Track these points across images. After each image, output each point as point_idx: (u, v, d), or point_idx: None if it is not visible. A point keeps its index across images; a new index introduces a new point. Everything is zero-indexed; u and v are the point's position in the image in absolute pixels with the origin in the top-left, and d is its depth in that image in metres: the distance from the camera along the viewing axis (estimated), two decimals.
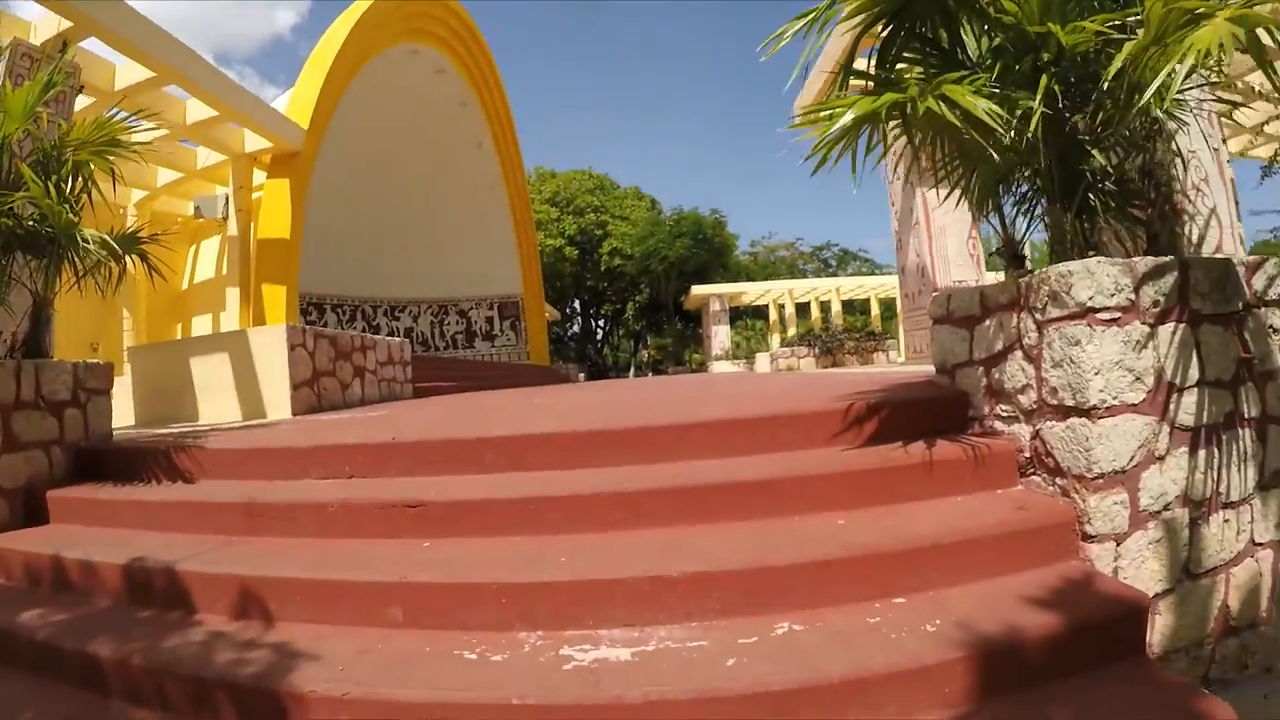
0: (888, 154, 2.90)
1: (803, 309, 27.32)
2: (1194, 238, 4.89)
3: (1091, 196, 2.84)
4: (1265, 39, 2.21)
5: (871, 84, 2.76)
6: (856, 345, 15.37)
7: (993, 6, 2.72)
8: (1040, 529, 2.37)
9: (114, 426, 4.33)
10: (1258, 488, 2.60)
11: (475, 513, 2.57)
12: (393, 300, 17.01)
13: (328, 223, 13.74)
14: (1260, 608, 2.55)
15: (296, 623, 2.25)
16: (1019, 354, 2.71)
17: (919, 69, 2.74)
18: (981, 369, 2.96)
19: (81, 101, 7.75)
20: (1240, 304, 2.64)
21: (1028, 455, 2.69)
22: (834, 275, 37.23)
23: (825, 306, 26.67)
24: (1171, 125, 3.12)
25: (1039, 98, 2.38)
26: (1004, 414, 2.83)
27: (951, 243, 9.30)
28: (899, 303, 11.92)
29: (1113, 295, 2.39)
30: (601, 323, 41.56)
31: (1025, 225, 3.20)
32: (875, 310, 27.13)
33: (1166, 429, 2.44)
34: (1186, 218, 3.28)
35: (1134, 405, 2.40)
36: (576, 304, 39.52)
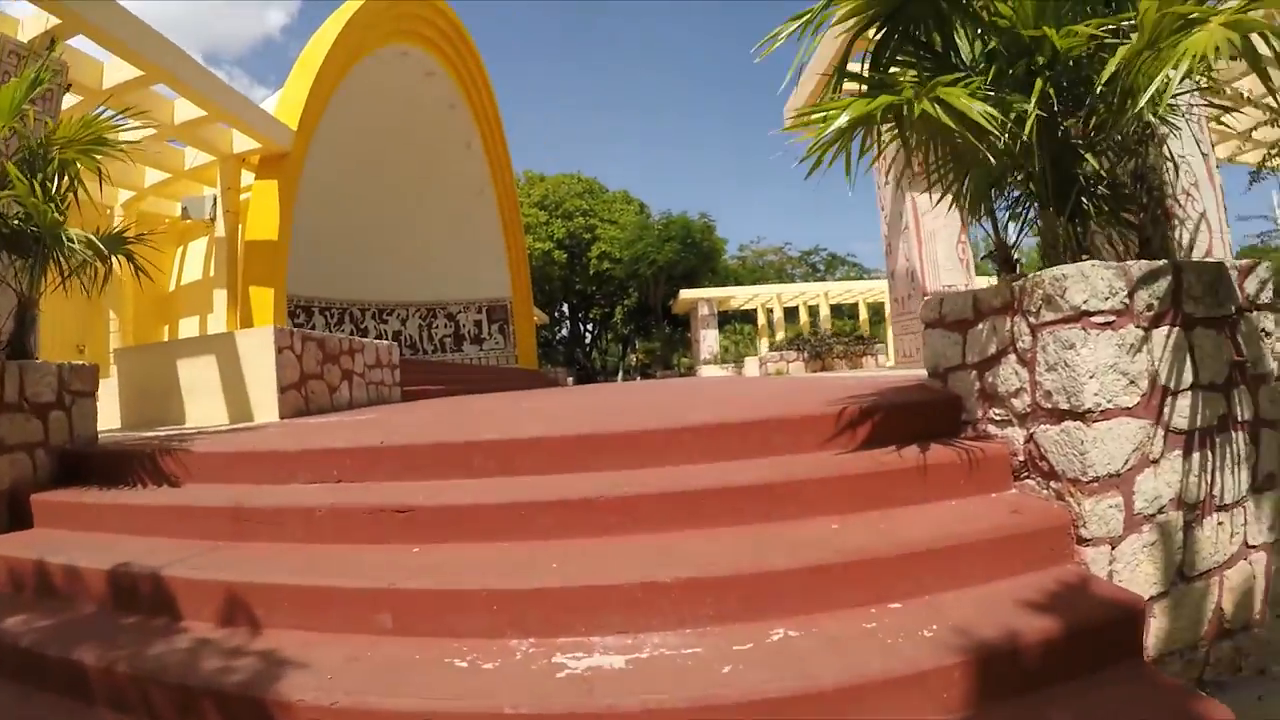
0: (880, 157, 2.89)
1: (791, 313, 27.38)
2: (1184, 242, 4.93)
3: (1084, 200, 2.84)
4: (1261, 47, 2.22)
5: (865, 87, 2.75)
6: (845, 349, 15.37)
7: (986, 10, 2.72)
8: (1035, 533, 2.37)
9: (100, 429, 4.28)
10: (1251, 490, 2.61)
11: (465, 518, 2.54)
12: (381, 303, 16.96)
13: (316, 224, 13.67)
14: (1254, 610, 2.56)
15: (284, 629, 2.21)
16: (1012, 357, 2.71)
17: (912, 72, 2.74)
18: (974, 372, 2.95)
19: (69, 101, 7.67)
20: (1233, 307, 2.65)
21: (1021, 459, 2.69)
22: (822, 280, 37.39)
23: (813, 311, 26.73)
24: (1163, 130, 3.13)
25: (1034, 101, 2.37)
26: (997, 417, 2.82)
27: (941, 247, 9.33)
28: (888, 307, 11.94)
29: (1107, 299, 2.39)
30: (590, 326, 41.52)
31: (1018, 229, 3.20)
32: (863, 315, 27.22)
33: (1161, 432, 2.44)
34: (1176, 222, 3.29)
35: (1128, 408, 2.40)
36: (565, 308, 39.46)
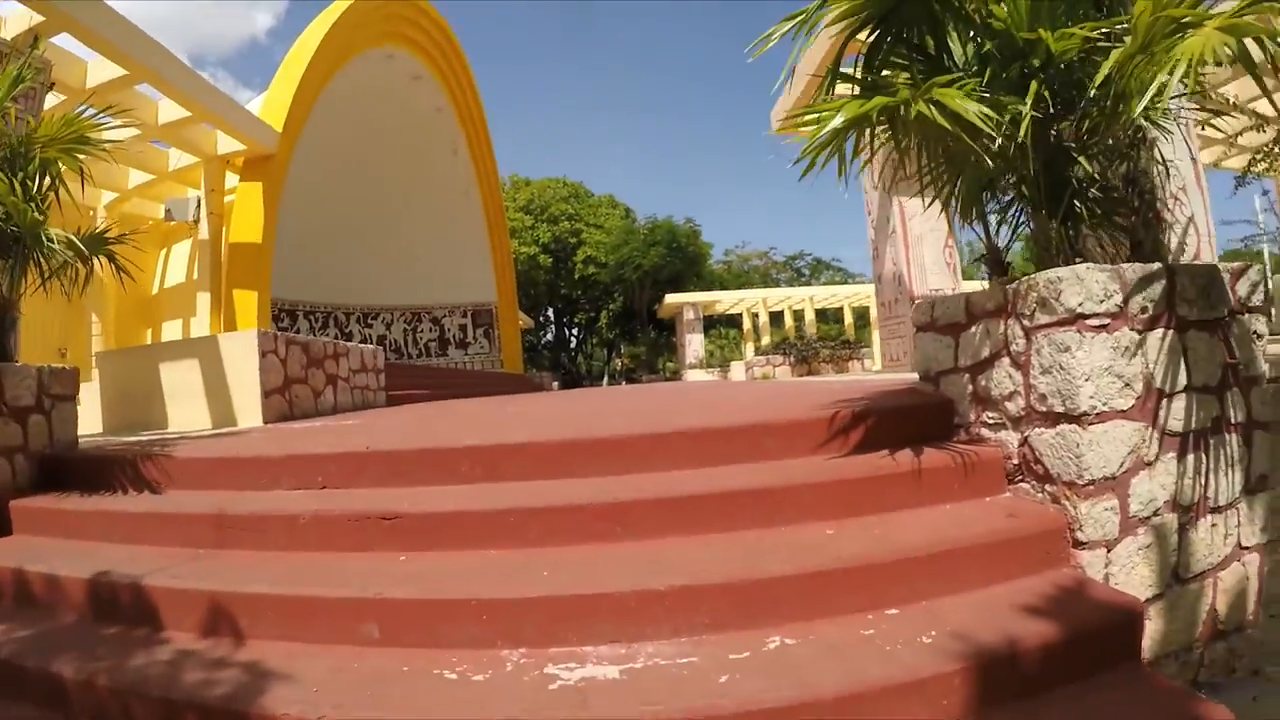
0: (870, 161, 2.88)
1: (776, 318, 27.46)
2: (1172, 246, 4.97)
3: (1077, 204, 2.84)
4: (1255, 51, 2.22)
5: (857, 89, 2.74)
6: (831, 354, 15.43)
7: (979, 13, 2.71)
8: (1031, 536, 2.35)
9: (82, 433, 4.20)
10: (1244, 492, 2.61)
11: (452, 525, 2.49)
12: (366, 307, 16.86)
13: (301, 227, 13.56)
14: (1247, 611, 2.57)
15: (268, 640, 2.15)
16: (1006, 361, 2.69)
17: (905, 75, 2.72)
18: (967, 376, 2.94)
19: (52, 100, 7.57)
20: (1225, 310, 2.66)
21: (1016, 462, 2.67)
22: (807, 284, 37.47)
23: (799, 315, 26.83)
24: (1154, 134, 3.13)
25: (1029, 102, 2.37)
26: (990, 421, 2.81)
27: (928, 251, 9.36)
28: (875, 311, 11.98)
29: (1102, 301, 2.38)
30: (575, 331, 41.44)
31: (1010, 232, 3.19)
32: (849, 319, 27.34)
33: (1155, 435, 2.44)
34: (1165, 226, 3.29)
35: (1123, 411, 2.39)
36: (550, 312, 39.38)
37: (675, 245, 33.00)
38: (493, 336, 18.82)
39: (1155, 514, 2.42)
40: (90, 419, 6.50)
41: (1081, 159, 2.72)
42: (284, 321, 14.28)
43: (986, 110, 2.33)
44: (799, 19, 2.61)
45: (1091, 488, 2.35)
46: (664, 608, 1.98)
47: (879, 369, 12.44)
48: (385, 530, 2.49)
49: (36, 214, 3.80)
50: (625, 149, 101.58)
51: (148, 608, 2.37)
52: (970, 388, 2.91)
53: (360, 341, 14.62)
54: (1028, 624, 1.98)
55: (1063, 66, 2.64)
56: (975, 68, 2.74)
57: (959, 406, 2.99)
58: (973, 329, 2.88)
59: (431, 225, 17.60)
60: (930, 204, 3.23)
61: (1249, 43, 2.22)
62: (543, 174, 38.52)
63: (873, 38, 2.74)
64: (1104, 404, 2.37)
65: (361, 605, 2.08)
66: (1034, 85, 2.40)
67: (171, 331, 12.48)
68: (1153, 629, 2.29)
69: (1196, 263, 3.11)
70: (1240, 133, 6.48)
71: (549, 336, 41.07)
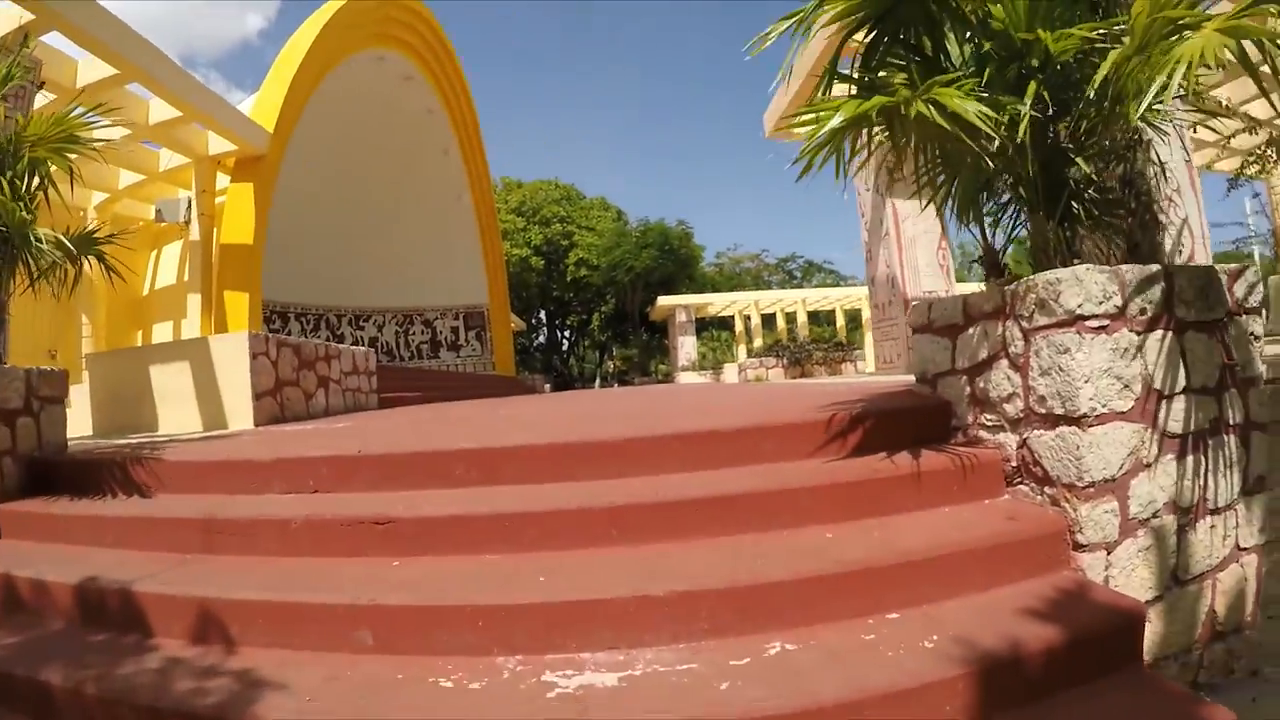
0: (866, 162, 2.87)
1: (768, 320, 27.45)
2: (1167, 247, 4.97)
3: (1074, 205, 2.83)
4: (1253, 53, 2.22)
5: (853, 89, 2.72)
6: (825, 356, 15.49)
7: (975, 14, 2.70)
8: (1032, 539, 2.34)
9: (72, 435, 4.14)
10: (1241, 493, 2.62)
11: (447, 530, 2.45)
12: (357, 309, 16.77)
13: (292, 229, 13.48)
14: (1245, 612, 2.58)
15: (259, 648, 2.11)
16: (1004, 362, 2.68)
17: (902, 75, 2.71)
18: (965, 378, 2.92)
19: (42, 100, 7.49)
20: (1223, 311, 2.66)
21: (1014, 464, 2.66)
22: (799, 287, 37.49)
23: (791, 318, 26.82)
24: (1150, 135, 3.13)
25: (1028, 102, 2.35)
26: (989, 423, 2.79)
27: (921, 253, 9.37)
28: (869, 313, 11.98)
29: (1101, 303, 2.37)
30: (567, 333, 41.38)
31: (1007, 234, 3.18)
32: (840, 321, 27.37)
33: (1154, 436, 2.44)
34: (1161, 228, 3.29)
35: (1123, 413, 2.39)
36: (542, 314, 39.31)
37: (667, 247, 33.01)
38: (485, 339, 18.77)
39: (1154, 516, 2.41)
40: (80, 421, 6.43)
41: (1079, 160, 2.71)
42: (275, 323, 14.20)
43: (986, 110, 2.32)
44: (796, 18, 2.59)
45: (1091, 490, 2.34)
46: (663, 614, 1.95)
47: (872, 371, 12.45)
48: (378, 535, 2.45)
49: (24, 213, 3.75)
50: (617, 151, 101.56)
51: (137, 614, 2.33)
52: (968, 390, 2.90)
53: (352, 344, 14.50)
54: (1030, 628, 1.96)
55: (1060, 67, 2.64)
56: (972, 68, 2.73)
57: (957, 408, 2.97)
58: (970, 331, 2.86)
59: (423, 227, 17.54)
60: (926, 205, 3.22)
61: (1246, 45, 2.22)
62: (535, 176, 38.59)
63: (869, 38, 2.73)
64: (1103, 406, 2.36)
65: (355, 612, 2.04)
66: (1033, 85, 2.39)
67: (162, 333, 12.37)
68: (1152, 631, 2.29)
69: (1194, 264, 3.10)
70: (1233, 135, 6.50)
71: (541, 339, 41.00)
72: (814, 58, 8.76)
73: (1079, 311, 2.36)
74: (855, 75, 2.69)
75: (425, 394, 10.57)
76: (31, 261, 3.95)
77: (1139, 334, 2.44)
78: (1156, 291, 2.47)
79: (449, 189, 18.05)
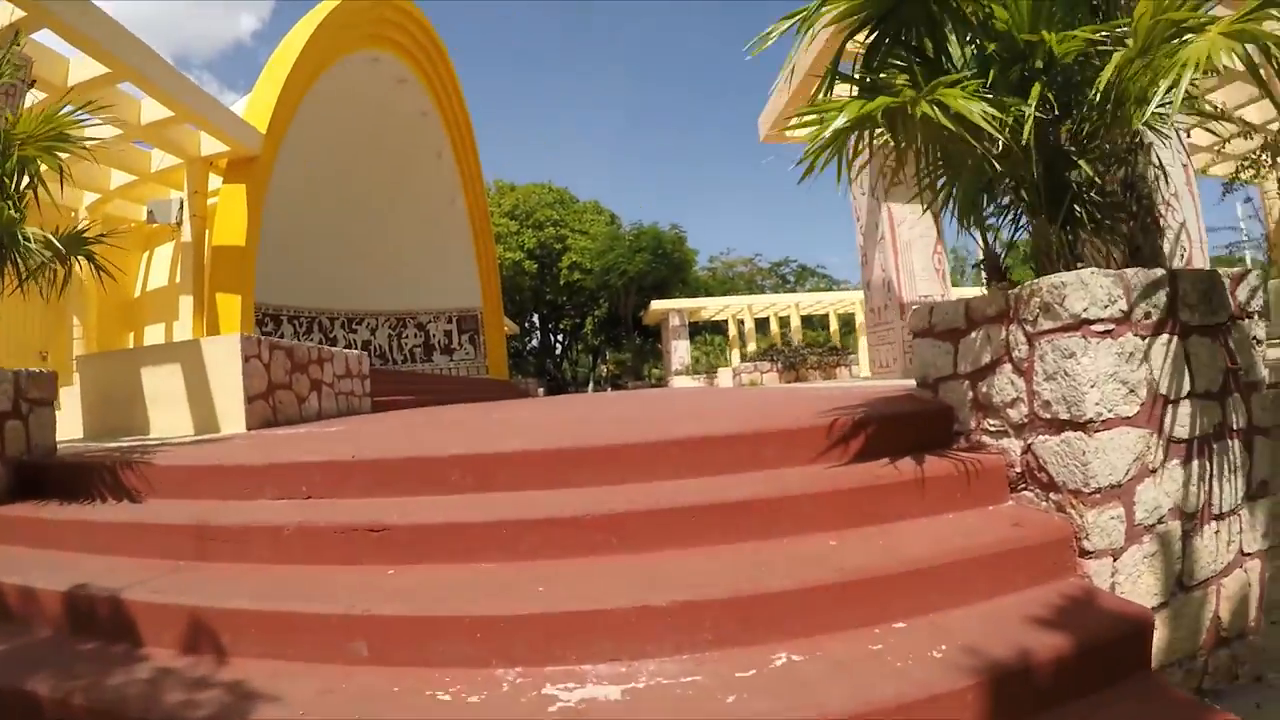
0: (870, 162, 2.85)
1: (762, 324, 27.44)
2: (1166, 251, 4.97)
3: (1077, 208, 2.81)
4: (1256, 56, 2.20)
5: (853, 92, 2.70)
6: (819, 360, 15.50)
7: (976, 15, 2.69)
8: (1037, 546, 2.31)
9: (62, 438, 4.08)
10: (1245, 498, 2.60)
11: (442, 537, 2.40)
12: (350, 312, 16.70)
13: (285, 231, 13.41)
14: (1249, 617, 2.57)
15: (251, 658, 2.06)
16: (1008, 367, 2.65)
17: (904, 76, 2.68)
18: (967, 382, 2.90)
19: (34, 99, 7.41)
20: (1226, 315, 2.65)
21: (1019, 470, 2.63)
22: (792, 291, 37.52)
23: (784, 322, 26.81)
24: (1150, 138, 3.12)
25: (1033, 103, 2.33)
26: (992, 428, 2.77)
27: (917, 258, 9.35)
28: (864, 317, 11.96)
29: (1106, 307, 2.35)
30: (560, 337, 41.32)
31: (1010, 236, 3.16)
32: (834, 326, 27.38)
33: (1160, 441, 2.43)
34: (1161, 231, 3.28)
35: (1128, 418, 2.37)
36: (535, 318, 39.24)
37: (661, 251, 32.99)
38: (478, 342, 18.71)
39: (1160, 521, 2.40)
40: (71, 424, 6.37)
41: (1082, 163, 2.69)
42: (268, 326, 14.12)
43: (991, 110, 2.29)
44: (798, 16, 2.56)
45: (1098, 496, 2.32)
46: (665, 624, 1.91)
47: (868, 375, 12.44)
48: (373, 543, 2.40)
49: (13, 212, 3.70)
50: (611, 155, 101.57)
51: (126, 623, 2.28)
52: (970, 394, 2.87)
53: (345, 347, 14.44)
54: (1039, 636, 1.93)
55: (1062, 69, 2.62)
56: (974, 69, 2.71)
57: (959, 413, 2.95)
58: (973, 335, 2.84)
59: (416, 230, 17.49)
60: (928, 208, 3.19)
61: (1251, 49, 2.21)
62: (528, 179, 38.50)
63: (871, 39, 2.71)
64: (1109, 410, 2.33)
65: (349, 622, 1.99)
66: (1037, 87, 2.37)
67: (154, 335, 12.27)
68: (1158, 638, 2.25)
69: (1196, 268, 3.09)
70: (1228, 140, 6.52)
71: (534, 343, 40.95)
72: (811, 60, 8.77)
73: (1084, 315, 2.33)
74: (857, 76, 2.67)
75: (418, 398, 10.52)
76: (20, 261, 3.90)
77: (1144, 338, 2.42)
78: (1161, 295, 2.46)
79: (442, 191, 18.01)
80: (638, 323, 32.82)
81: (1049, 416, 2.46)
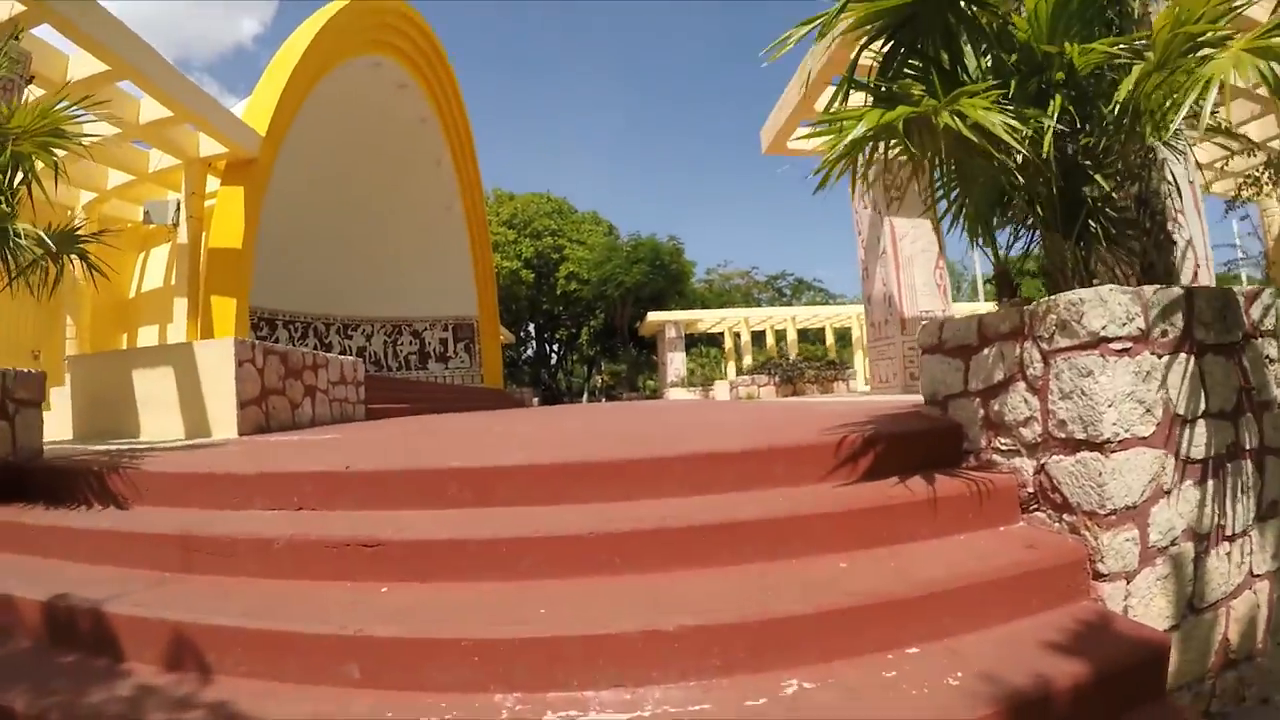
0: (884, 174, 2.80)
1: (758, 337, 27.43)
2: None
3: (1091, 223, 2.77)
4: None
5: (871, 99, 2.65)
6: (817, 374, 15.43)
7: (991, 25, 2.65)
8: (1051, 569, 2.26)
9: (52, 439, 3.98)
10: (1256, 519, 2.57)
11: (440, 554, 2.31)
12: (346, 318, 16.62)
13: (282, 234, 13.34)
14: (1257, 639, 2.53)
15: (238, 677, 1.97)
16: (1022, 385, 2.60)
17: (919, 86, 2.63)
18: (978, 400, 2.84)
19: (31, 97, 7.35)
20: (1240, 334, 2.61)
21: (1031, 490, 2.57)
22: (789, 304, 37.54)
23: (781, 335, 26.80)
24: (1164, 154, 3.08)
25: (1054, 115, 2.29)
26: (1004, 447, 2.71)
27: (919, 273, 9.32)
28: (855, 332, 11.93)
29: (1124, 325, 2.31)
30: (556, 347, 41.20)
31: (1017, 250, 3.12)
32: (830, 339, 27.38)
33: (1174, 462, 2.38)
34: (1173, 248, 3.24)
35: (1144, 438, 2.32)
36: (531, 327, 39.16)
37: (658, 263, 32.97)
38: (473, 351, 18.63)
39: (1173, 543, 2.36)
40: (61, 425, 6.30)
41: (1098, 177, 2.65)
42: (263, 330, 14.02)
43: (1012, 122, 2.24)
44: (818, 21, 2.51)
45: (1113, 518, 2.27)
46: (672, 649, 1.83)
47: (867, 390, 12.39)
48: (366, 558, 2.32)
49: (4, 207, 3.62)
50: (612, 166, 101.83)
51: (108, 636, 2.19)
52: (982, 412, 2.81)
53: (340, 353, 14.35)
54: (1056, 663, 1.88)
55: (1076, 82, 2.58)
56: (990, 80, 2.67)
57: (969, 432, 2.89)
58: (985, 352, 2.78)
59: (414, 237, 17.43)
60: (939, 220, 3.14)
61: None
62: (527, 189, 38.51)
63: (887, 48, 2.66)
64: (1126, 431, 2.29)
65: (341, 643, 1.91)
66: (1058, 99, 2.32)
67: (148, 337, 12.19)
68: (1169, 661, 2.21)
69: (1210, 286, 3.05)
70: (1231, 156, 6.51)
71: (529, 352, 40.84)
72: (819, 69, 8.76)
73: (1102, 333, 2.28)
74: (872, 84, 2.62)
75: (413, 406, 10.43)
76: (10, 258, 3.81)
77: (1160, 357, 2.38)
78: (1178, 314, 2.42)
79: (440, 199, 17.97)
80: (634, 334, 32.75)
81: (1064, 436, 2.41)
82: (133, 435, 6.00)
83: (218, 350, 5.95)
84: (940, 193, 2.99)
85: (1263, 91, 2.26)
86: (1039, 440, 2.52)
